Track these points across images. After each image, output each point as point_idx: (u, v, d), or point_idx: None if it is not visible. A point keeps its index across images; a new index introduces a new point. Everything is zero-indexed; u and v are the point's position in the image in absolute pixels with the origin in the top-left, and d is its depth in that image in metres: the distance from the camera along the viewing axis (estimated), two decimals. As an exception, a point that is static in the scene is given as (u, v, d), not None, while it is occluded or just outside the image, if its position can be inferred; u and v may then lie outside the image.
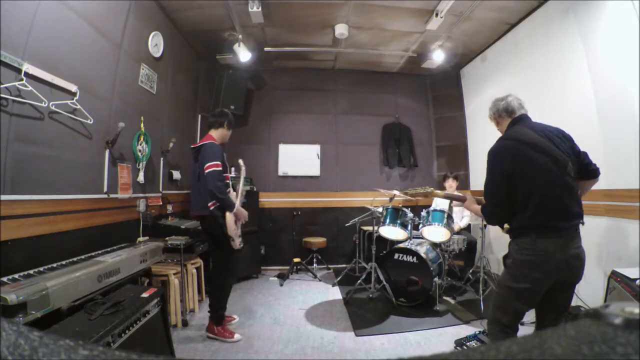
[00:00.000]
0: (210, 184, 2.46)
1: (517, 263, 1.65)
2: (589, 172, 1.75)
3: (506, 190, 1.64)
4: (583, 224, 1.67)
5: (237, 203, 2.66)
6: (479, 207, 1.87)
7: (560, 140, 1.68)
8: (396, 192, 3.65)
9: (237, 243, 2.66)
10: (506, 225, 1.76)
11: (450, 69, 5.27)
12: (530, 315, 1.87)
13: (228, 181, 2.69)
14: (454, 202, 3.15)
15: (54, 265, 1.90)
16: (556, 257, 1.56)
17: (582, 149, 1.76)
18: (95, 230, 2.54)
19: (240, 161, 2.87)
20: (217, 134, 2.71)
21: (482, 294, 3.25)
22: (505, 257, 1.75)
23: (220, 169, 2.50)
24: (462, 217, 4.08)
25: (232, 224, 2.56)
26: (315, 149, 5.29)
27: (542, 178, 1.59)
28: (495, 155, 1.70)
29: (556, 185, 1.59)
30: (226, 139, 2.81)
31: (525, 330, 2.42)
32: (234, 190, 2.79)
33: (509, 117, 1.82)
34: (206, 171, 2.48)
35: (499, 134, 1.84)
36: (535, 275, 1.59)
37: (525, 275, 1.61)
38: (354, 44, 4.59)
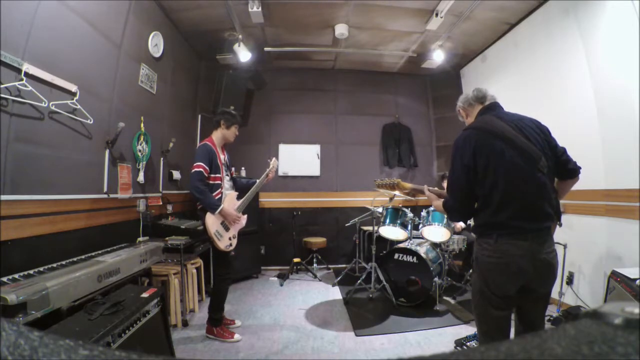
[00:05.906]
0: (189, 185, 2.56)
1: (480, 265, 1.52)
2: (567, 171, 1.57)
3: (466, 184, 1.50)
4: (560, 225, 1.54)
5: (226, 204, 2.60)
6: (440, 203, 1.69)
7: (533, 133, 1.50)
8: (396, 192, 3.64)
9: (223, 245, 2.57)
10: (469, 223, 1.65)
11: (450, 69, 5.27)
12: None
13: (219, 182, 2.64)
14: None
15: (54, 265, 1.90)
16: (520, 261, 1.41)
17: (561, 145, 1.58)
18: (95, 230, 2.55)
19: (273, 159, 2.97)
20: (215, 135, 2.75)
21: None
22: (473, 259, 1.61)
23: (199, 170, 2.52)
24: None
25: (211, 224, 2.53)
26: (315, 149, 5.30)
27: (506, 172, 1.43)
28: (456, 146, 1.55)
29: (523, 181, 1.43)
30: (228, 138, 2.77)
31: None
32: (235, 190, 2.82)
33: (480, 103, 1.66)
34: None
35: None
36: (498, 279, 1.46)
37: (488, 278, 1.49)
38: (354, 44, 4.59)
